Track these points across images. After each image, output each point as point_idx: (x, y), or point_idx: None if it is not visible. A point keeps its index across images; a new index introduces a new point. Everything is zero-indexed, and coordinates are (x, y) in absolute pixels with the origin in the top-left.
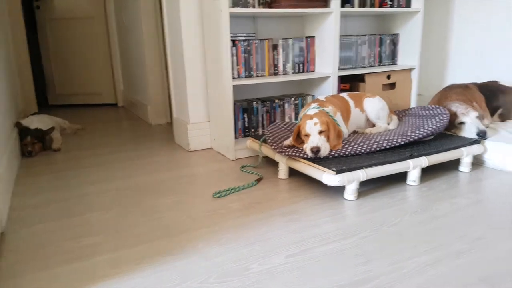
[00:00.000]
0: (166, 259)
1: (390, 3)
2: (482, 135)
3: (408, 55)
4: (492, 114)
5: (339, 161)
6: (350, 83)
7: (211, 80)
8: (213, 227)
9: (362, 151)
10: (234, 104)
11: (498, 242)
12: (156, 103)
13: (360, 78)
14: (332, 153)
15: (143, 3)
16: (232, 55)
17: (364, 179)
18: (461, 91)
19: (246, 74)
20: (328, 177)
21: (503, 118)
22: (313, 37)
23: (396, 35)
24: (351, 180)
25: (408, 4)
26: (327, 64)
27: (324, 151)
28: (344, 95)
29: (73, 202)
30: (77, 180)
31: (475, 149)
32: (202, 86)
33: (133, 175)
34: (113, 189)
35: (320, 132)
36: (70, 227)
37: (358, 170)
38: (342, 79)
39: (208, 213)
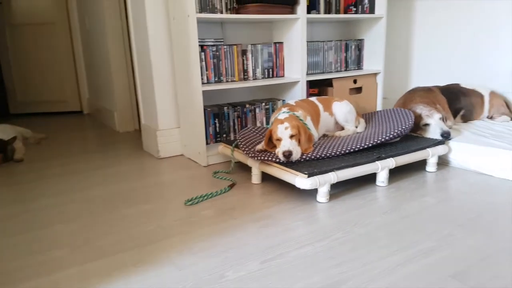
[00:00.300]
0: (138, 270)
1: (355, 9)
2: (446, 136)
3: (373, 60)
4: (454, 116)
5: (311, 165)
6: (319, 87)
7: (180, 86)
8: (186, 235)
9: (333, 154)
10: (205, 109)
11: (466, 239)
12: (123, 110)
13: (328, 82)
14: (304, 157)
15: (107, 8)
16: (201, 61)
17: (335, 182)
18: (424, 94)
19: (216, 79)
20: (300, 181)
21: (465, 119)
22: (282, 42)
23: (361, 40)
24: (322, 183)
25: (372, 11)
26: (296, 69)
27: (296, 155)
28: (313, 99)
29: (36, 214)
30: (40, 192)
31: (440, 149)
32: (171, 92)
33: (100, 185)
34: (79, 200)
35: (291, 136)
36: (34, 240)
37: (329, 173)
38: (311, 84)
39: (180, 222)
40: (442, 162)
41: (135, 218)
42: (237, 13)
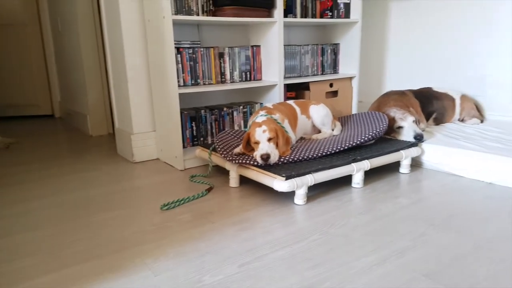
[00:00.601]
0: (112, 277)
1: (330, 14)
2: (419, 138)
3: (349, 64)
4: (427, 119)
5: (288, 167)
6: (296, 91)
7: (156, 88)
8: (162, 240)
9: (310, 156)
10: (181, 112)
11: (439, 238)
12: (96, 113)
13: (305, 86)
14: (282, 160)
15: (80, 10)
16: (177, 63)
17: (312, 184)
18: (398, 97)
19: (193, 82)
20: (278, 183)
21: (437, 122)
22: (259, 46)
23: (337, 44)
24: (300, 185)
25: (347, 15)
26: (273, 72)
27: (274, 157)
28: (291, 102)
29: (6, 221)
30: (10, 198)
31: (413, 151)
32: (146, 95)
33: (73, 190)
34: (51, 206)
35: (269, 139)
36: (2, 248)
37: (307, 175)
38: (288, 87)
39: (156, 227)
40: (416, 163)
41: (109, 223)
42: (214, 15)
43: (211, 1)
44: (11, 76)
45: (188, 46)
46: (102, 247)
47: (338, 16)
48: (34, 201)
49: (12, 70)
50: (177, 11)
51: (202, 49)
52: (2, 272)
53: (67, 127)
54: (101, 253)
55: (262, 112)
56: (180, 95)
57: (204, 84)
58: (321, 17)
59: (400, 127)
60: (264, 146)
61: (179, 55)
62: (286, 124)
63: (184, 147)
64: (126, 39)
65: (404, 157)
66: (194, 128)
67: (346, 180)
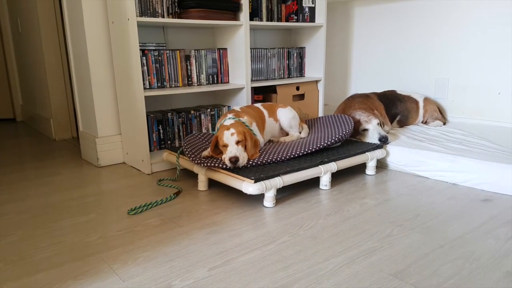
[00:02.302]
0: (78, 283)
1: (296, 17)
2: (384, 140)
3: (314, 67)
4: (391, 121)
5: (257, 170)
6: (263, 94)
7: (121, 91)
8: (129, 245)
9: (278, 159)
10: (148, 115)
11: (405, 238)
12: (60, 117)
13: (272, 89)
14: (250, 162)
15: (40, 10)
16: (143, 65)
17: (281, 186)
18: (362, 100)
19: (159, 84)
20: (247, 186)
21: (401, 124)
22: (225, 48)
23: (302, 48)
24: (269, 188)
25: (312, 19)
26: (241, 75)
27: (243, 160)
28: (259, 105)
29: None
30: None
31: (378, 153)
32: (111, 97)
33: (36, 196)
34: (13, 212)
35: (238, 142)
36: None
37: (275, 178)
38: (256, 90)
39: (123, 232)
40: (381, 165)
41: (74, 229)
42: (179, 17)
43: (176, 3)
44: None
45: (153, 48)
46: (67, 253)
47: (303, 20)
48: None
49: None
50: (142, 13)
51: (168, 52)
52: None
53: (30, 131)
54: (67, 260)
55: (230, 115)
56: (146, 98)
57: (171, 87)
58: (287, 20)
59: (365, 130)
60: (233, 149)
61: (144, 58)
62: (254, 127)
63: (151, 150)
64: (89, 40)
65: (370, 159)
66: (161, 131)
67: (314, 182)
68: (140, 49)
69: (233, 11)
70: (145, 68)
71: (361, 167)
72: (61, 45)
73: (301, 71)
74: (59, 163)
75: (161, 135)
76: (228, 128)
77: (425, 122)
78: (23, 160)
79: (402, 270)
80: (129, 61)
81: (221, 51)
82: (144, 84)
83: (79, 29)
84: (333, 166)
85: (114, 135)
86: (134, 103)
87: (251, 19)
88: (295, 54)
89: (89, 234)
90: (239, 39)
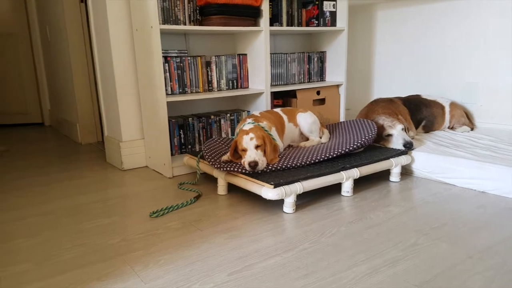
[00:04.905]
0: (102, 284)
1: (316, 22)
2: (408, 146)
3: (336, 71)
4: (416, 126)
5: (277, 175)
6: (283, 98)
7: (144, 97)
8: (151, 248)
9: (298, 164)
10: (169, 120)
11: (431, 247)
12: (86, 121)
13: (292, 94)
14: (269, 167)
15: (68, 19)
16: (165, 72)
17: (301, 192)
18: (386, 104)
19: (180, 90)
20: (267, 191)
21: (426, 130)
22: (245, 54)
23: (323, 52)
24: (289, 193)
25: (333, 23)
26: (260, 80)
27: (262, 165)
28: (278, 110)
29: None
30: (1, 205)
31: (403, 159)
32: (135, 103)
33: (62, 198)
34: (41, 213)
35: (257, 147)
36: None
37: (295, 183)
38: (275, 95)
39: (145, 234)
40: (406, 172)
41: (98, 231)
42: (201, 24)
43: (197, 11)
44: (1, 85)
45: (175, 55)
46: (91, 254)
47: (324, 24)
48: (24, 209)
49: (2, 79)
50: (165, 21)
51: (189, 58)
52: None
53: (57, 135)
54: (90, 261)
55: (249, 120)
56: (168, 103)
57: (192, 92)
58: (307, 25)
59: (389, 135)
60: (252, 154)
61: (166, 64)
62: (274, 132)
63: (172, 154)
64: (114, 48)
65: (394, 165)
66: (182, 135)
67: (335, 189)
68: (162, 56)
69: (253, 17)
70: (167, 74)
71: (385, 174)
72: (87, 52)
73: (322, 76)
74: (84, 166)
75: (182, 139)
76: (247, 132)
77: (451, 128)
78: (50, 163)
79: (428, 280)
80: (152, 68)
81: (241, 56)
82: (166, 90)
83: (104, 37)
84: (356, 172)
85: (138, 139)
86: (156, 108)
87: (271, 24)
88: (315, 59)
89: (112, 236)
90: (259, 44)
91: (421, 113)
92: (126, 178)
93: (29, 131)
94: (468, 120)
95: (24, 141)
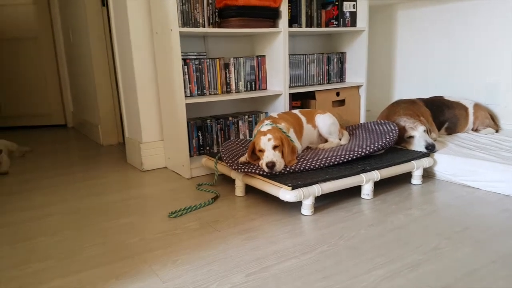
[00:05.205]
0: (120, 282)
1: (336, 23)
2: (431, 148)
3: (356, 72)
4: (439, 128)
5: (295, 177)
6: (301, 100)
7: (164, 99)
8: (169, 248)
9: (317, 166)
10: (188, 122)
11: (453, 252)
12: (107, 123)
13: (311, 95)
14: (287, 169)
15: (90, 22)
16: (184, 74)
17: (320, 194)
18: (408, 106)
19: (199, 92)
20: (284, 193)
21: (449, 132)
22: (264, 56)
23: (343, 53)
24: (307, 195)
25: (353, 24)
26: (278, 82)
27: (279, 166)
28: (296, 111)
29: (20, 226)
30: (25, 204)
31: (425, 162)
32: (155, 105)
33: (84, 197)
34: (62, 212)
35: (274, 147)
36: (16, 253)
37: (314, 185)
38: (294, 96)
39: (163, 234)
40: (428, 174)
41: (118, 230)
42: (219, 27)
43: (216, 13)
44: (25, 87)
45: (194, 57)
46: (111, 253)
47: (344, 25)
48: (47, 207)
49: (26, 82)
50: (184, 24)
51: (208, 60)
52: (20, 274)
53: (79, 137)
54: (110, 259)
55: (267, 122)
56: (187, 105)
57: (210, 94)
58: (327, 26)
59: (410, 137)
60: (269, 154)
61: (185, 66)
62: (292, 133)
63: (190, 156)
64: (135, 50)
65: (416, 168)
66: (201, 137)
67: (355, 191)
68: (182, 58)
69: (272, 19)
70: (186, 76)
71: (406, 177)
72: (108, 55)
73: (341, 77)
74: (105, 167)
75: (200, 141)
76: (265, 133)
77: (475, 130)
78: (72, 164)
79: (450, 285)
80: (172, 70)
81: (259, 58)
82: (185, 92)
83: (125, 40)
84: (376, 175)
85: (157, 140)
86: (175, 110)
87: (290, 25)
88: (335, 59)
89: (132, 235)
90: (278, 46)
91: (443, 114)
92: (145, 178)
93: (52, 132)
94: (493, 121)
95: (47, 142)
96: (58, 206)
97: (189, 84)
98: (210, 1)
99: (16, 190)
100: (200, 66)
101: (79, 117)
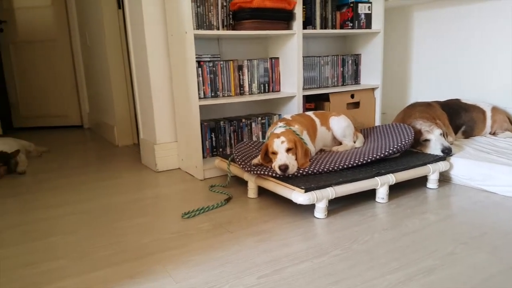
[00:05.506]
0: (134, 282)
1: (351, 24)
2: (447, 152)
3: (371, 74)
4: (455, 132)
5: (308, 179)
6: (315, 102)
7: (178, 101)
8: (182, 248)
9: (330, 169)
10: (201, 124)
11: (469, 257)
12: (122, 124)
13: (325, 97)
14: (300, 171)
15: (107, 25)
16: (198, 76)
17: (333, 197)
18: (424, 109)
19: (213, 94)
20: (297, 196)
21: (466, 135)
22: (277, 58)
23: (358, 55)
24: (320, 198)
25: (368, 26)
26: (292, 84)
27: (292, 168)
28: (310, 114)
29: (36, 225)
30: (41, 203)
31: (441, 165)
32: (169, 106)
33: (99, 197)
34: (77, 212)
35: (288, 150)
36: (31, 251)
37: (327, 188)
38: (307, 99)
39: (177, 235)
40: (444, 178)
41: (131, 230)
42: (234, 29)
43: (231, 16)
44: (43, 89)
45: (208, 59)
46: (125, 253)
47: (359, 27)
48: (64, 207)
49: (44, 83)
50: (198, 26)
51: (221, 62)
52: (35, 272)
53: (95, 137)
54: (124, 259)
55: (280, 124)
56: (201, 107)
57: (224, 96)
58: (342, 28)
59: (426, 140)
60: (282, 157)
61: (199, 69)
62: (305, 136)
63: (204, 157)
64: (150, 52)
65: (432, 172)
66: (214, 139)
67: (369, 195)
68: (196, 61)
69: (286, 21)
70: (200, 78)
71: (422, 180)
72: (124, 57)
73: (356, 79)
74: (120, 167)
75: (214, 142)
76: (278, 136)
77: (493, 133)
78: (88, 164)
79: None
80: (186, 72)
81: (273, 60)
82: (199, 93)
83: (140, 42)
84: (391, 178)
85: (171, 142)
86: (189, 112)
87: (304, 27)
88: (350, 61)
89: (145, 235)
90: (292, 48)
91: (460, 117)
92: (159, 179)
93: (68, 133)
94: (511, 125)
95: (64, 143)
96: (73, 205)
97: (203, 86)
98: (225, 4)
99: (33, 189)
100: (214, 68)
101: (95, 118)
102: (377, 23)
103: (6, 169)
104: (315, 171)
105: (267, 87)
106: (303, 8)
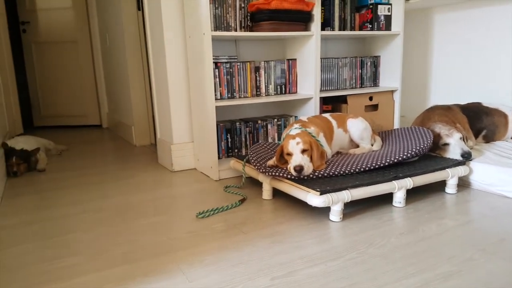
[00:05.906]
0: (148, 280)
1: (370, 26)
2: (466, 157)
3: (390, 76)
4: (476, 136)
5: (323, 182)
6: (333, 104)
7: (195, 101)
8: (196, 248)
9: (346, 171)
10: (218, 124)
11: (487, 263)
12: (140, 124)
13: (343, 99)
14: (316, 174)
15: (126, 26)
16: (215, 77)
17: (349, 200)
18: (443, 112)
19: (229, 95)
20: (312, 198)
21: (487, 140)
22: (295, 59)
23: (377, 57)
24: (335, 201)
25: (388, 27)
26: (309, 85)
27: (307, 170)
28: (327, 115)
29: (54, 222)
30: (60, 201)
31: (460, 170)
32: (186, 107)
33: (116, 196)
34: (95, 210)
35: (303, 151)
36: (49, 248)
37: (343, 191)
38: (325, 100)
39: (191, 234)
40: (463, 183)
41: (148, 229)
42: (251, 30)
43: (248, 17)
44: (63, 89)
45: (225, 61)
46: (140, 251)
47: (379, 29)
48: (81, 205)
49: (64, 84)
50: (216, 28)
51: (238, 64)
52: (54, 268)
53: (114, 137)
54: (139, 257)
55: (296, 125)
56: (217, 108)
57: (240, 97)
58: (360, 29)
59: (446, 144)
60: (298, 158)
61: (216, 70)
62: (321, 138)
63: (219, 158)
64: (168, 54)
65: (450, 176)
66: (229, 139)
67: (386, 198)
68: (213, 62)
69: (304, 22)
70: (217, 79)
71: (440, 185)
72: (143, 58)
73: (375, 81)
74: (137, 166)
75: (229, 143)
76: (293, 137)
77: None
78: (106, 163)
79: None
80: (203, 73)
81: (290, 61)
82: (215, 95)
83: (159, 43)
84: (409, 182)
85: (187, 142)
86: (206, 113)
87: (323, 29)
88: (368, 63)
89: (160, 234)
90: (309, 49)
91: (481, 121)
92: (175, 179)
93: (88, 132)
94: None
95: (83, 142)
96: (91, 203)
97: (220, 87)
98: (243, 5)
99: (52, 187)
100: (230, 70)
101: (114, 118)
102: (397, 25)
103: (27, 166)
104: (331, 173)
105: (283, 89)
106: (322, 9)
